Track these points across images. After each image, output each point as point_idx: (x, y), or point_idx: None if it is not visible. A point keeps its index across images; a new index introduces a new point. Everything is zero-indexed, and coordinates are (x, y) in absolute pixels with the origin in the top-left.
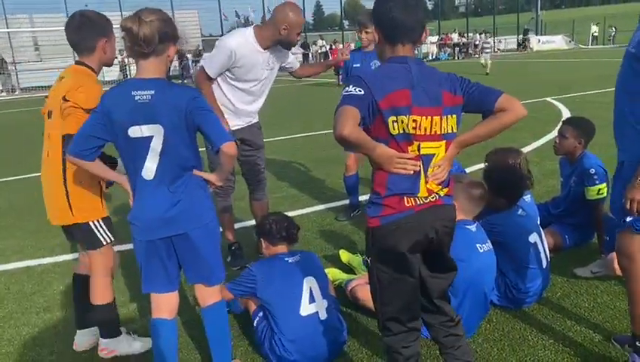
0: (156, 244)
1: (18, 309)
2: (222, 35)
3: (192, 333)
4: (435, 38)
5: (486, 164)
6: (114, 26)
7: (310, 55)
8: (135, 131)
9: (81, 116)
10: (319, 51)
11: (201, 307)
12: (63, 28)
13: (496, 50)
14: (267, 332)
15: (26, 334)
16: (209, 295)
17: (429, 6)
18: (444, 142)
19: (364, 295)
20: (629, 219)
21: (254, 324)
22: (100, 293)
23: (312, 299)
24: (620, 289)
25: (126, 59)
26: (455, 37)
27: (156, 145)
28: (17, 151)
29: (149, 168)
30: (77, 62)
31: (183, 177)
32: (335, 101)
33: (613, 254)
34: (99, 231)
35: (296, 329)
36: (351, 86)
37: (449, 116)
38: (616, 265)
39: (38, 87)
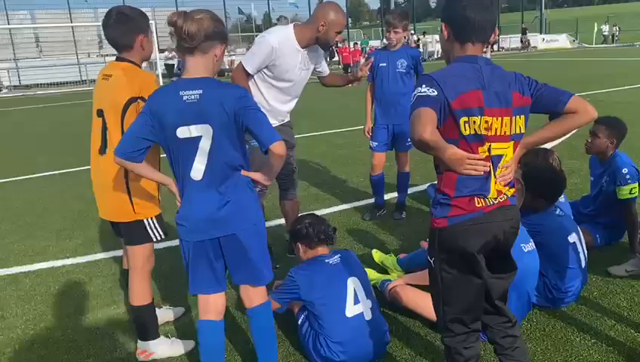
0: (204, 245)
1: (48, 311)
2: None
3: (234, 335)
4: (438, 37)
5: (521, 164)
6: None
7: None
8: (183, 132)
9: None
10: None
11: (247, 308)
12: (65, 24)
13: (500, 48)
14: (311, 333)
15: (61, 337)
16: (256, 295)
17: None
18: (512, 142)
19: (407, 296)
20: None
21: (298, 324)
22: (139, 294)
23: (356, 300)
24: None
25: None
26: None
27: (205, 145)
28: (24, 150)
29: (198, 169)
30: (120, 59)
31: (231, 177)
32: (344, 100)
33: None
34: (152, 228)
35: (342, 330)
36: (424, 86)
37: (518, 117)
38: None
39: (38, 84)
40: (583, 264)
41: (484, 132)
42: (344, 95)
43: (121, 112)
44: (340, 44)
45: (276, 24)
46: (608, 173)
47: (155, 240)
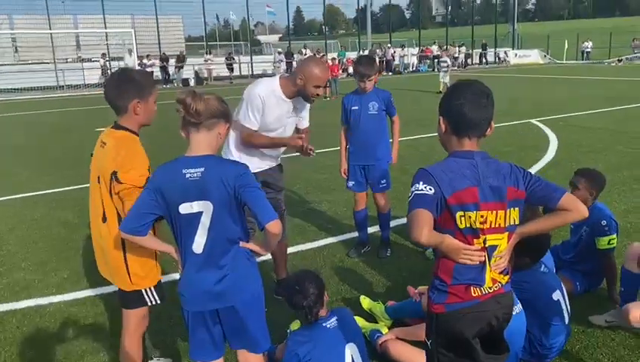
0: (203, 315)
1: (37, 357)
2: (203, 39)
3: None
4: (415, 50)
5: None
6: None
7: (294, 64)
8: (186, 208)
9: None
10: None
11: None
12: (42, 29)
13: (473, 63)
14: None
15: None
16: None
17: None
18: (507, 233)
19: (398, 351)
20: None
21: None
22: (130, 357)
23: None
24: (635, 343)
25: (107, 63)
26: (435, 49)
27: (205, 220)
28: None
29: (199, 242)
30: (116, 126)
31: (230, 251)
32: (326, 117)
33: (629, 306)
34: (148, 296)
35: None
36: (421, 183)
37: (512, 209)
38: (631, 317)
39: (15, 89)
40: (567, 320)
41: (479, 226)
42: (319, 112)
43: (109, 183)
44: (317, 55)
45: (253, 30)
46: (588, 223)
47: (150, 304)
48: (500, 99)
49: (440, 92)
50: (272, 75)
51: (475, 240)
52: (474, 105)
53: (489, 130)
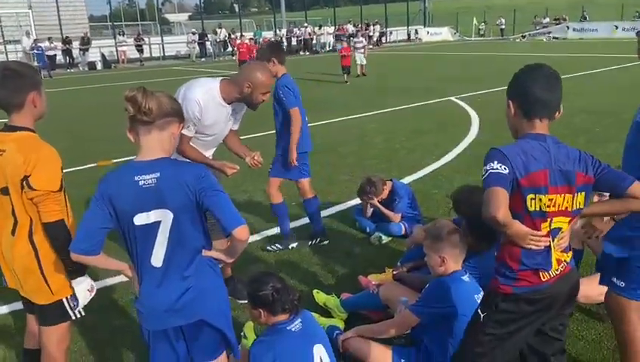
0: (166, 332)
1: None
2: (107, 19)
3: None
4: (331, 29)
5: (457, 206)
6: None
7: (209, 44)
8: (141, 218)
9: (56, 198)
10: (218, 40)
11: None
12: None
13: (387, 40)
14: None
15: None
16: None
17: None
18: (572, 217)
19: (361, 349)
20: None
21: None
22: None
23: None
24: (582, 317)
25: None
26: (350, 27)
27: (164, 230)
28: None
29: (157, 255)
30: (8, 128)
31: (193, 261)
32: None
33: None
34: (71, 306)
35: None
36: (495, 163)
37: (579, 194)
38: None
39: None
40: None
41: (547, 209)
42: None
43: (20, 191)
44: (232, 35)
45: (161, 9)
46: None
47: (73, 318)
48: (419, 77)
49: (358, 75)
50: (187, 56)
51: (542, 224)
52: (545, 87)
53: (558, 112)
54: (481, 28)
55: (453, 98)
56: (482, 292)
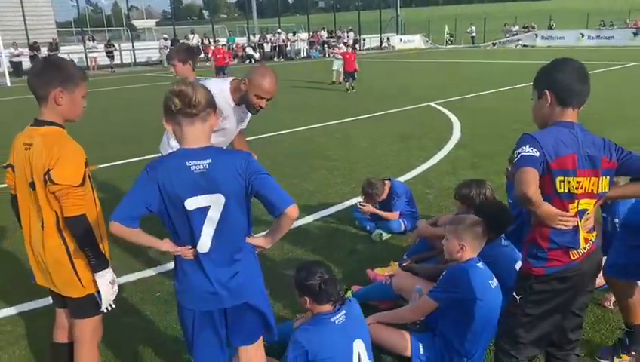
0: (212, 315)
1: None
2: (72, 25)
3: None
4: (305, 35)
5: (459, 198)
6: None
7: None
8: (193, 203)
9: (77, 192)
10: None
11: None
12: None
13: (361, 48)
14: None
15: None
16: (256, 360)
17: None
18: (597, 199)
19: (380, 334)
20: None
21: None
22: None
23: None
24: None
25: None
26: (324, 34)
27: (214, 215)
28: None
29: (205, 241)
30: (37, 123)
31: (240, 246)
32: None
33: None
34: (101, 300)
35: None
36: (527, 146)
37: (604, 177)
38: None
39: None
40: None
41: (575, 191)
42: None
43: (44, 185)
44: (204, 41)
45: (128, 14)
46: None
47: (104, 311)
48: (395, 84)
49: (333, 82)
50: (159, 62)
51: (570, 205)
52: (580, 79)
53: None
54: (449, 36)
55: (432, 103)
56: (495, 278)
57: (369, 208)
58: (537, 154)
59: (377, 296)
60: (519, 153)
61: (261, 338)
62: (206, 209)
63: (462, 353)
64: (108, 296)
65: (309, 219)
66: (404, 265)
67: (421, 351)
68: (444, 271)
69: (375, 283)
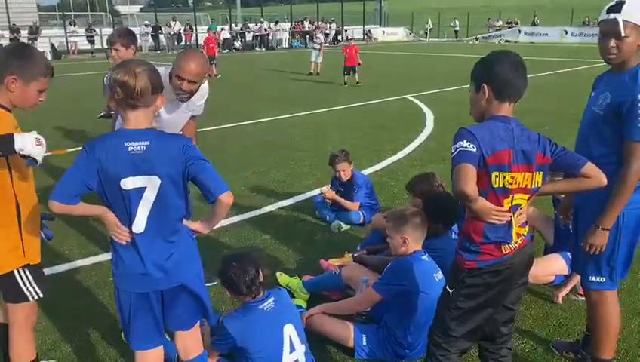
0: (148, 296)
1: None
2: (55, 9)
3: None
4: (287, 26)
5: (414, 193)
6: None
7: (162, 37)
8: (128, 183)
9: None
10: (171, 33)
11: (182, 360)
12: None
13: (343, 39)
14: None
15: None
16: (193, 344)
17: None
18: (530, 194)
19: (325, 325)
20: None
21: None
22: (21, 351)
23: (292, 348)
24: (529, 298)
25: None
26: (307, 25)
27: (150, 196)
28: None
29: (140, 220)
30: None
31: (176, 228)
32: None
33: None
34: (26, 284)
35: None
36: (465, 141)
37: (537, 173)
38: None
39: None
40: None
41: (509, 186)
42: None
43: None
44: (187, 28)
45: (112, 0)
46: None
47: (30, 300)
48: (374, 75)
49: (311, 73)
50: (139, 49)
51: (504, 200)
52: (517, 73)
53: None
54: (427, 28)
55: (408, 96)
56: (440, 272)
57: (331, 194)
58: (474, 149)
59: (326, 286)
60: (457, 148)
61: (197, 324)
62: (142, 190)
63: (404, 345)
64: (39, 156)
65: (269, 208)
66: (355, 255)
67: (364, 341)
68: (389, 264)
69: (325, 273)
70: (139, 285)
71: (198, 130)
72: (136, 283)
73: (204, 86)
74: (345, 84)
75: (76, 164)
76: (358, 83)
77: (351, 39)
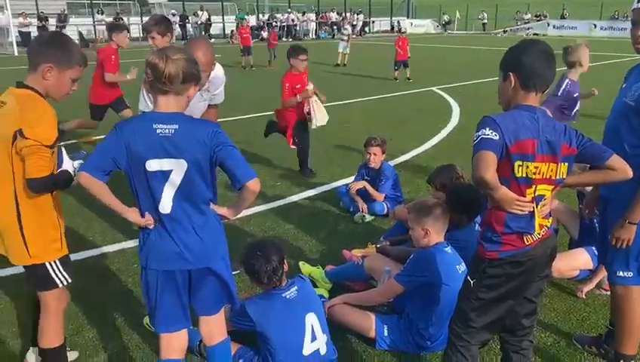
0: (174, 275)
1: None
2: None
3: None
4: (313, 16)
5: (435, 186)
6: None
7: (189, 27)
8: (154, 164)
9: (44, 154)
10: (199, 22)
11: (206, 345)
12: None
13: (370, 31)
14: None
15: None
16: (217, 330)
17: None
18: (554, 185)
19: (346, 315)
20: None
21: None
22: (51, 337)
23: (313, 337)
24: (552, 292)
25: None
26: (334, 16)
27: (176, 179)
28: None
29: (166, 202)
30: (19, 84)
31: (201, 212)
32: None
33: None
34: (55, 272)
35: None
36: (487, 129)
37: (562, 164)
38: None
39: None
40: None
41: (532, 176)
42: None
43: (11, 144)
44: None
45: None
46: None
47: (60, 285)
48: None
49: (338, 64)
50: None
51: (527, 190)
52: (545, 63)
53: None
54: (446, 20)
55: (434, 88)
56: (463, 264)
57: (358, 185)
58: (497, 137)
59: (349, 276)
60: (479, 136)
61: (223, 310)
62: (168, 172)
63: (426, 336)
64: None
65: (294, 198)
66: (378, 246)
67: (385, 332)
68: (412, 255)
69: (348, 263)
70: (167, 262)
71: (235, 118)
72: (164, 261)
73: (220, 73)
74: (395, 79)
75: (107, 141)
76: (408, 79)
77: (404, 32)
